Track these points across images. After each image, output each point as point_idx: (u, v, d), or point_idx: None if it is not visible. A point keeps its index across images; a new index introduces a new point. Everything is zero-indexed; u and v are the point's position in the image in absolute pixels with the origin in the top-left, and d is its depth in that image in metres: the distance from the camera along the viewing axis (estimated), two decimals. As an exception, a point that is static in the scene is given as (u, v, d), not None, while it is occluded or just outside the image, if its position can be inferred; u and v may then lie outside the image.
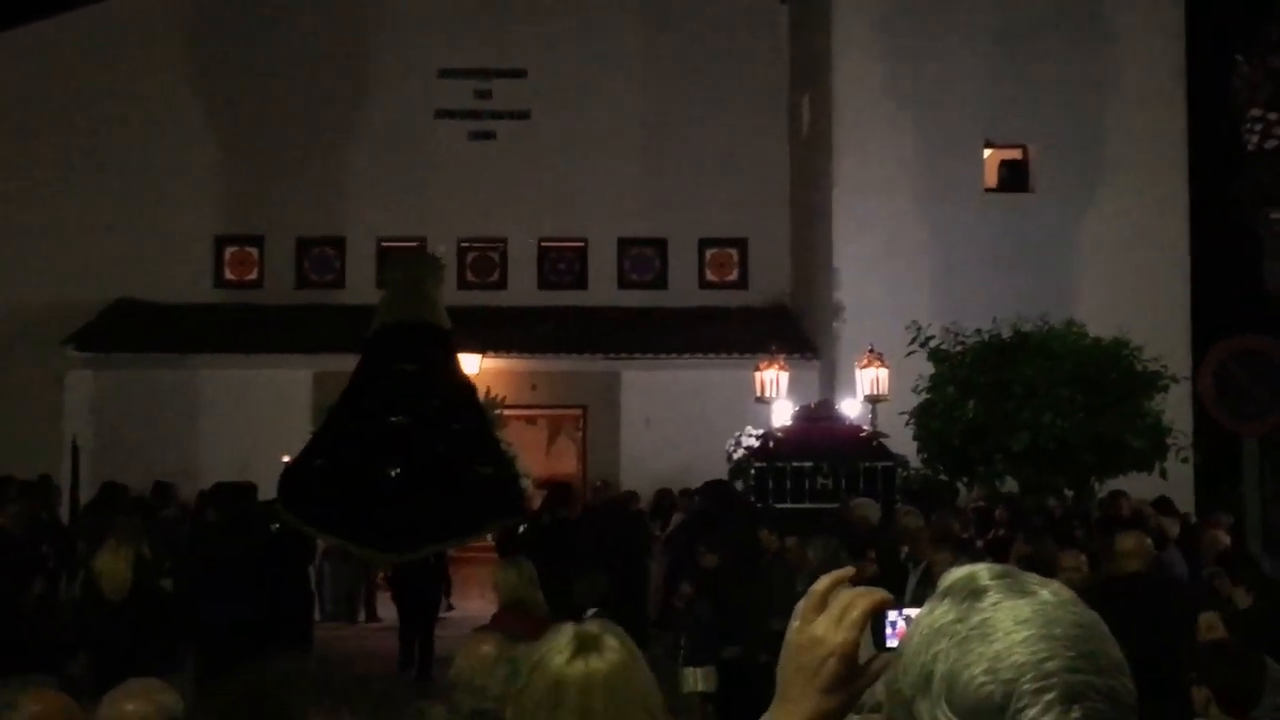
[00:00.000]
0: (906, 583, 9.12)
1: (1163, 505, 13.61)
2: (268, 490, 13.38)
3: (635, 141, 24.39)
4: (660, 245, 24.64)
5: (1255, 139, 13.81)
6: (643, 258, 24.74)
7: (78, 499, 16.45)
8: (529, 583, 7.17)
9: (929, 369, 16.56)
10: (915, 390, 16.46)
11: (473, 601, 16.17)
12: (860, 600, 1.58)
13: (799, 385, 18.52)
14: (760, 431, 15.44)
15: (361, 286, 21.90)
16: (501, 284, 24.31)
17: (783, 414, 16.35)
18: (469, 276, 24.04)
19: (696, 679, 9.31)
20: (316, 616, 15.44)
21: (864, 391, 16.60)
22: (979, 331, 16.75)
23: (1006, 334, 16.61)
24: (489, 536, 13.43)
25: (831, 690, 1.57)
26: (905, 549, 10.25)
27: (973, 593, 1.41)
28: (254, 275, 24.33)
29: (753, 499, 14.03)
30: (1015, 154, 21.84)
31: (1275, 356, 11.98)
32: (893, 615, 1.60)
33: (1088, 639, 1.37)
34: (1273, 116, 13.97)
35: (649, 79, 24.50)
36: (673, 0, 24.52)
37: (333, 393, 13.38)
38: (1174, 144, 21.43)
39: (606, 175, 24.12)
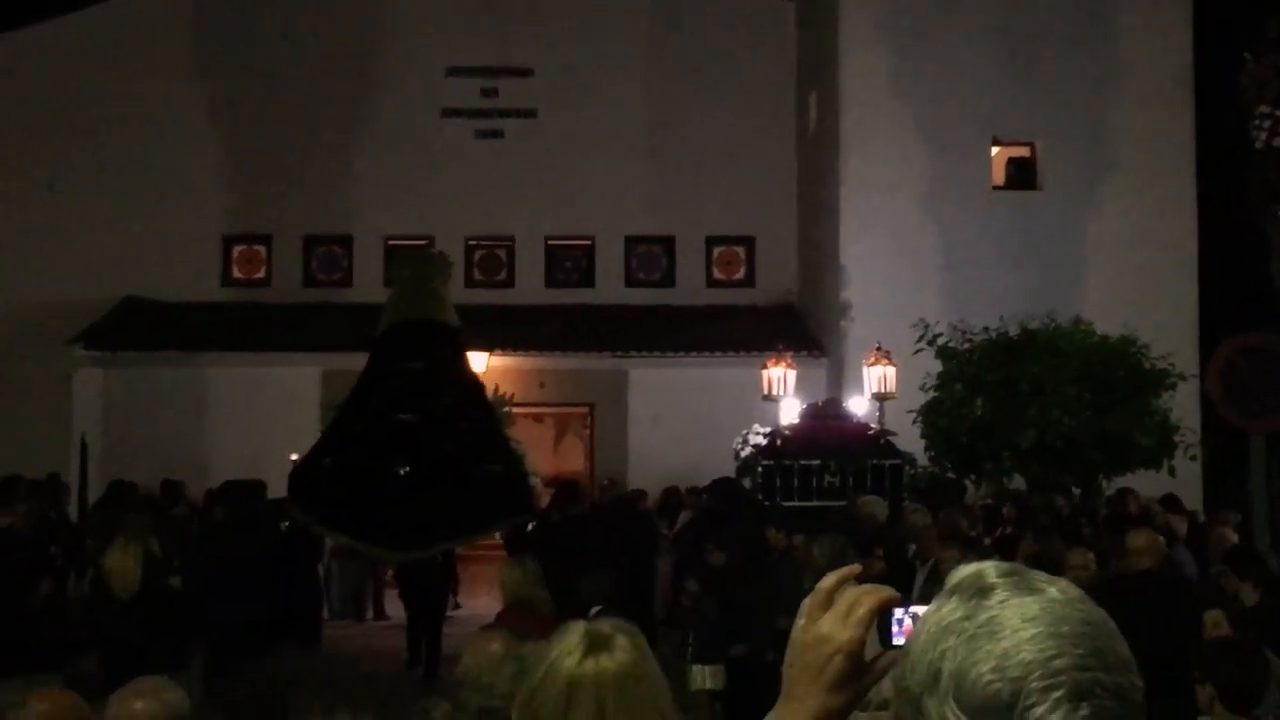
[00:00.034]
0: (914, 580, 9.11)
1: (1170, 503, 13.61)
2: (276, 488, 13.44)
3: (642, 140, 24.38)
4: (667, 243, 24.64)
5: (1263, 136, 13.76)
6: (650, 256, 24.74)
7: (86, 497, 16.48)
8: (534, 580, 7.16)
9: (936, 367, 16.53)
10: (923, 388, 16.44)
11: (480, 600, 16.16)
12: (866, 598, 1.58)
13: (806, 383, 18.50)
14: (768, 429, 15.43)
15: (369, 285, 21.96)
16: (509, 282, 24.34)
17: (790, 412, 16.33)
18: (476, 275, 24.08)
19: (704, 677, 9.30)
20: (325, 615, 15.49)
21: (871, 389, 16.61)
22: (986, 329, 16.71)
23: (1014, 332, 16.57)
24: (498, 534, 13.44)
25: (837, 688, 1.57)
26: (913, 547, 10.25)
27: (980, 590, 1.41)
28: (262, 274, 24.40)
29: (760, 497, 14.03)
30: (1023, 152, 21.78)
31: (1283, 354, 11.97)
32: (898, 613, 1.60)
33: (1095, 636, 1.37)
34: (1280, 113, 13.93)
35: (656, 77, 24.49)
36: (680, -2, 24.57)
37: (341, 391, 13.43)
38: (1182, 141, 21.39)
39: (613, 173, 24.11)
